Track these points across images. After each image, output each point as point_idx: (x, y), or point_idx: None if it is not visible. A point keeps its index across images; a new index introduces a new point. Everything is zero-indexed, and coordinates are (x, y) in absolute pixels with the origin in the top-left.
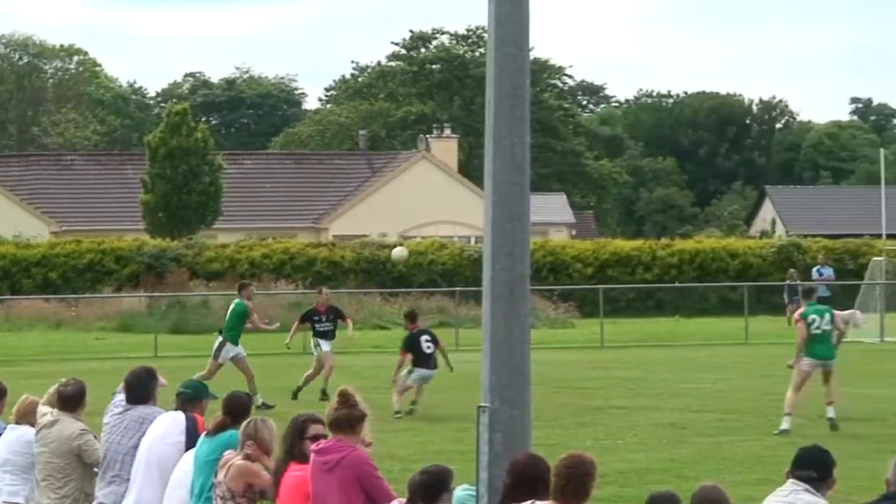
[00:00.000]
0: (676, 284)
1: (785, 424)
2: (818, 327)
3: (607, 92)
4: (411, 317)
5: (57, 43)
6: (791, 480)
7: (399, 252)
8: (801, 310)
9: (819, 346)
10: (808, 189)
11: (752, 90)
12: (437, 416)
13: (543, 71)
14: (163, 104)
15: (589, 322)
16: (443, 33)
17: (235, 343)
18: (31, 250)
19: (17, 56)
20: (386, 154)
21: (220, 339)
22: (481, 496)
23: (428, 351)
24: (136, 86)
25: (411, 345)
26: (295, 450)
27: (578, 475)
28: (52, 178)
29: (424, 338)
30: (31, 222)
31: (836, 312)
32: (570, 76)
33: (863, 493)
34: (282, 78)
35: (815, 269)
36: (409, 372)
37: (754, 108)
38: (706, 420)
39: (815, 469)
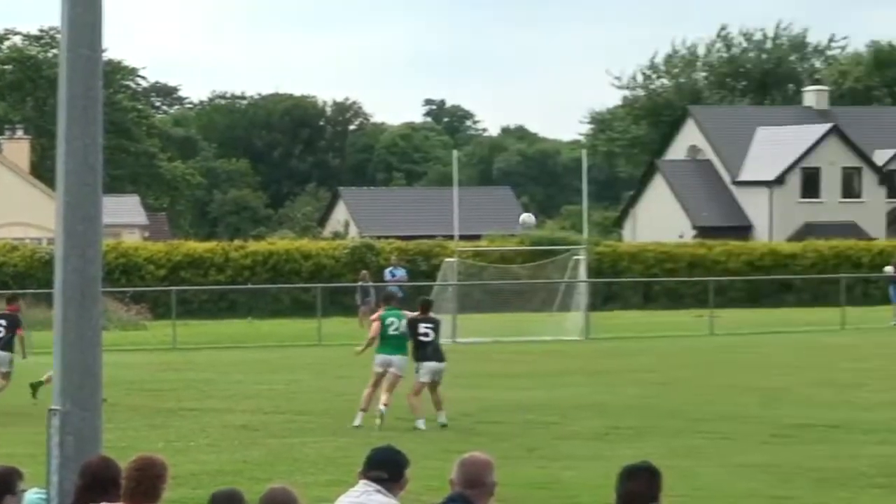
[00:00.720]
0: (249, 286)
1: (357, 421)
2: (396, 329)
3: (181, 93)
4: (8, 299)
5: None
6: (363, 481)
7: (527, 218)
8: (381, 312)
9: (390, 346)
10: (381, 190)
11: (327, 92)
12: (9, 420)
13: (117, 72)
14: None
15: (161, 324)
16: (15, 34)
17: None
18: None
19: None
20: None
21: None
22: (52, 499)
23: None
24: None
25: None
26: None
27: (149, 477)
28: None
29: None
30: None
31: (406, 313)
32: (143, 77)
33: (432, 494)
34: None
35: (387, 271)
36: None
37: (328, 109)
38: (278, 421)
39: (387, 470)
